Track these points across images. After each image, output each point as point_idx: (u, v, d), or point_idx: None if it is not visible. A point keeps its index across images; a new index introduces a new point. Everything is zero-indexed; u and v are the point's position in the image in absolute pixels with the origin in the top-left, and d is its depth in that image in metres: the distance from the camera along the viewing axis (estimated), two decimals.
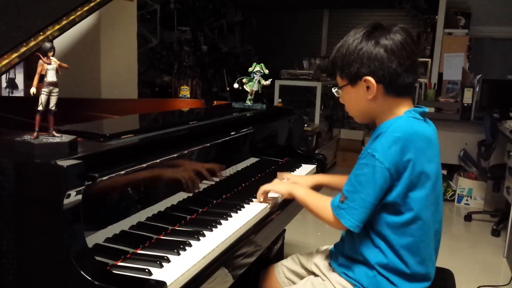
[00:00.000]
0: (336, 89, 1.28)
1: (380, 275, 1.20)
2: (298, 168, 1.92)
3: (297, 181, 1.55)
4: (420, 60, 5.30)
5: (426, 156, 1.16)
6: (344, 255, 1.30)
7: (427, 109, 1.24)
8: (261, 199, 1.43)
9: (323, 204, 1.25)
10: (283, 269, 1.50)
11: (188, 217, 1.28)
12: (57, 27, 1.43)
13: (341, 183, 1.50)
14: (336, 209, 1.18)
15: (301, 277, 1.44)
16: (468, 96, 4.14)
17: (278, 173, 1.65)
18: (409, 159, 1.12)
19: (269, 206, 1.43)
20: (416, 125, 1.17)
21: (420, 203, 1.16)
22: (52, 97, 0.95)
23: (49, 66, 0.95)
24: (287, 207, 1.56)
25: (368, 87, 1.18)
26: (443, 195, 4.20)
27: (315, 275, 1.39)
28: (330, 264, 1.36)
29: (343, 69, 1.21)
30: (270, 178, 1.70)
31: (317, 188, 1.66)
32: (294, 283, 1.45)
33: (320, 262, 1.40)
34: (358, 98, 1.21)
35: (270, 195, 1.46)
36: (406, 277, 1.20)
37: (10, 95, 3.26)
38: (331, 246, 1.43)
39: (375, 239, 1.20)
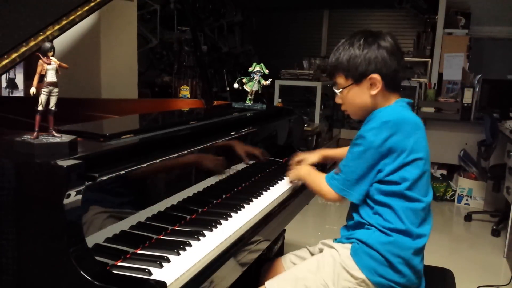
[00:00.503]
0: (341, 89, 1.40)
1: (379, 230, 1.30)
2: None
3: (305, 157, 1.76)
4: (420, 60, 5.34)
5: (414, 138, 1.30)
6: (347, 227, 1.42)
7: (411, 100, 1.43)
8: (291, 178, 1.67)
9: (320, 177, 1.44)
10: (290, 258, 1.56)
11: (188, 217, 1.28)
12: (57, 27, 1.43)
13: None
14: (331, 180, 1.37)
15: None
16: (468, 96, 4.14)
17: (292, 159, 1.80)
18: (397, 140, 1.27)
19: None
20: (404, 111, 1.35)
21: (413, 175, 1.29)
22: (52, 97, 0.95)
23: (49, 66, 0.95)
24: (287, 207, 1.56)
25: (371, 84, 1.34)
26: (443, 195, 4.23)
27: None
28: (334, 239, 1.44)
29: (349, 71, 1.36)
30: (270, 178, 1.71)
31: (324, 162, 1.88)
32: None
33: (326, 241, 1.47)
34: (362, 94, 1.37)
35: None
36: (402, 232, 1.29)
37: (10, 95, 3.26)
38: (334, 239, 1.46)
39: (375, 206, 1.32)
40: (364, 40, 1.34)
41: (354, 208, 1.39)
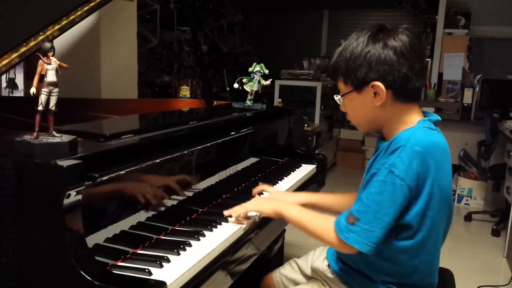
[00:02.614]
0: (339, 97, 1.17)
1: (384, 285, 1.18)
2: (298, 168, 1.92)
3: (280, 199, 1.40)
4: None
5: (444, 169, 1.09)
6: (344, 261, 1.27)
7: (439, 118, 1.15)
8: (239, 218, 1.27)
9: (325, 225, 1.12)
10: (282, 279, 1.47)
11: (188, 217, 1.28)
12: (57, 27, 1.43)
13: (334, 203, 1.44)
14: (344, 233, 1.05)
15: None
16: (468, 96, 4.15)
17: (259, 183, 1.52)
18: (429, 174, 1.04)
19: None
20: (434, 136, 1.09)
21: (435, 221, 1.09)
22: (52, 97, 0.95)
23: (49, 66, 0.95)
24: None
25: (375, 93, 1.08)
26: None
27: (314, 279, 1.38)
28: (329, 266, 1.33)
29: (348, 75, 1.11)
30: (270, 178, 1.71)
31: (317, 189, 1.63)
32: None
33: (318, 265, 1.37)
34: (364, 105, 1.12)
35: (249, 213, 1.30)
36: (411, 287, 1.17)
37: (10, 95, 3.26)
38: (327, 247, 1.40)
39: (380, 261, 1.14)
40: (370, 36, 1.08)
41: None
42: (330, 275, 1.31)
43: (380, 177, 1.03)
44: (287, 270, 1.48)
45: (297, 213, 1.21)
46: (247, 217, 1.29)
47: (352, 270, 1.23)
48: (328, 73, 1.34)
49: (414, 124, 1.10)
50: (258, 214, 1.32)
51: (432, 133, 1.10)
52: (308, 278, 1.42)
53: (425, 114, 1.16)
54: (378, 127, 1.17)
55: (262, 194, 1.50)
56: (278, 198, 1.42)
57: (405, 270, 1.15)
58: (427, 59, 4.95)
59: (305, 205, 1.39)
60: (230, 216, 1.28)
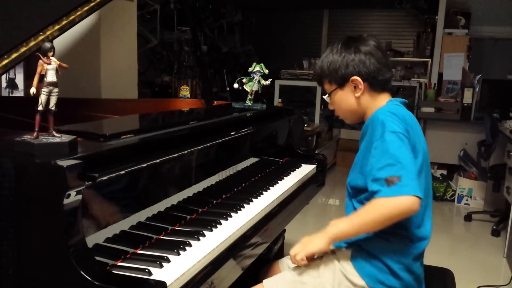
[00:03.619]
0: (327, 95, 1.41)
1: (378, 235, 1.25)
2: (298, 168, 1.92)
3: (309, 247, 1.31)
4: (420, 60, 5.34)
5: (416, 131, 1.28)
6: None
7: (406, 100, 1.39)
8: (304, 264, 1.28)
9: (379, 205, 1.13)
10: (287, 262, 1.50)
11: (188, 217, 1.28)
12: (57, 27, 1.43)
13: None
14: (399, 190, 1.10)
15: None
16: (468, 96, 4.14)
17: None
18: (411, 133, 1.23)
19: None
20: (401, 109, 1.32)
21: (427, 173, 1.25)
22: (52, 97, 0.95)
23: (49, 66, 0.95)
24: (287, 207, 1.56)
25: (355, 87, 1.34)
26: (443, 195, 4.23)
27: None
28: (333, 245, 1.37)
29: (331, 76, 1.36)
30: (270, 178, 1.71)
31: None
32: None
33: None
34: (348, 98, 1.37)
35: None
36: (403, 237, 1.26)
37: (10, 95, 3.26)
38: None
39: None
40: (342, 45, 1.35)
41: (351, 209, 1.35)
42: (337, 250, 1.36)
43: (389, 140, 1.17)
44: None
45: (350, 226, 1.21)
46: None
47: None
48: (315, 79, 1.47)
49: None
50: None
51: (400, 107, 1.33)
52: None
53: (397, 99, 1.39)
54: (361, 115, 1.39)
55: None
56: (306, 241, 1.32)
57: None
58: (427, 59, 4.97)
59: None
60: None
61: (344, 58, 1.33)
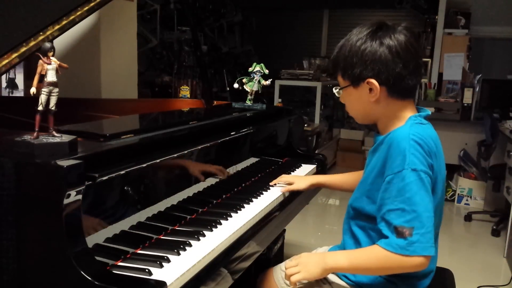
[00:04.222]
0: (338, 89, 1.24)
1: (381, 277, 1.19)
2: (298, 168, 1.92)
3: (295, 181, 1.59)
4: None
5: (439, 159, 1.13)
6: None
7: (429, 112, 1.21)
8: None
9: (382, 255, 1.05)
10: (282, 274, 1.45)
11: (188, 217, 1.28)
12: (57, 27, 1.43)
13: (342, 182, 1.58)
14: (408, 248, 1.01)
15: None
16: (468, 96, 4.15)
17: (280, 177, 1.66)
18: (433, 163, 1.09)
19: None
20: (427, 130, 1.14)
21: (436, 208, 1.11)
22: (52, 97, 0.95)
23: (49, 66, 0.95)
24: (287, 207, 1.56)
25: (370, 89, 1.14)
26: None
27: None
28: None
29: (346, 70, 1.17)
30: (270, 178, 1.71)
31: (316, 189, 1.67)
32: None
33: None
34: (360, 100, 1.18)
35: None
36: (408, 278, 1.18)
37: (10, 95, 3.26)
38: (328, 248, 1.42)
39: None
40: (369, 33, 1.12)
41: (351, 234, 1.22)
42: (330, 273, 1.30)
43: (408, 180, 1.04)
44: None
45: (348, 262, 1.12)
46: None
47: None
48: (328, 67, 1.40)
49: (406, 120, 1.16)
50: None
51: (424, 127, 1.14)
52: None
53: (418, 109, 1.21)
54: (373, 120, 1.23)
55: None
56: (291, 180, 1.62)
57: None
58: (427, 59, 4.96)
59: (318, 185, 1.62)
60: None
61: (365, 52, 1.11)
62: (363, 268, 1.13)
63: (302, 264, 1.18)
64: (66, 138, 0.98)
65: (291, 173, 1.84)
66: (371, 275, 1.18)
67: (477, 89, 4.20)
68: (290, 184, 1.62)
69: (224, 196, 1.49)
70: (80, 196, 0.89)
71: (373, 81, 1.12)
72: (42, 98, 0.94)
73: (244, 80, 1.93)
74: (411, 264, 1.03)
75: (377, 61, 1.10)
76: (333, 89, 1.26)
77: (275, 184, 1.63)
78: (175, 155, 1.23)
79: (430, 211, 1.03)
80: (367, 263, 1.10)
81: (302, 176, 1.77)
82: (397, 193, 1.04)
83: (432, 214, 1.04)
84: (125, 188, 1.07)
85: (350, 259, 1.13)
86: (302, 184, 1.60)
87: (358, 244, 1.22)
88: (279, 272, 1.48)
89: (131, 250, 1.04)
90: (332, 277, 1.30)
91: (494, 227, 3.48)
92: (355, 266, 1.13)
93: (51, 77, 0.95)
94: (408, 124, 1.13)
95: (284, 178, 1.66)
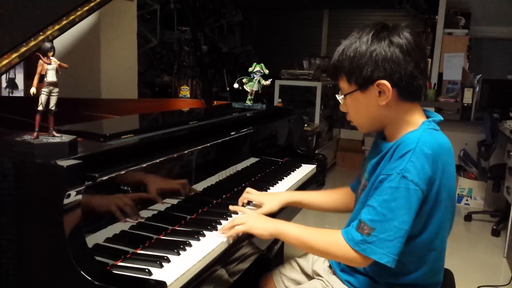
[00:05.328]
0: (341, 96, 1.15)
1: (387, 285, 1.17)
2: (298, 168, 1.92)
3: (262, 202, 1.36)
4: None
5: (450, 171, 1.08)
6: (345, 268, 1.26)
7: (442, 118, 1.16)
8: (227, 234, 1.14)
9: (333, 239, 1.07)
10: (282, 278, 1.45)
11: (188, 217, 1.28)
12: (57, 27, 1.43)
13: (322, 201, 1.44)
14: (360, 244, 1.01)
15: (301, 284, 1.41)
16: (468, 96, 4.14)
17: (245, 191, 1.41)
18: (437, 176, 1.04)
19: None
20: (439, 138, 1.09)
21: (440, 222, 1.09)
22: (52, 97, 0.95)
23: (49, 66, 0.95)
24: (287, 207, 1.55)
25: (380, 92, 1.07)
26: None
27: (317, 278, 1.36)
28: (330, 267, 1.33)
29: (352, 74, 1.09)
30: (269, 178, 1.71)
31: (288, 215, 1.48)
32: None
33: (319, 266, 1.37)
34: (368, 105, 1.10)
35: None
36: (416, 286, 1.17)
37: (10, 95, 3.26)
38: None
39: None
40: (374, 34, 1.06)
41: None
42: (331, 275, 1.30)
43: (393, 184, 1.01)
44: (288, 270, 1.47)
45: (298, 232, 1.13)
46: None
47: (353, 270, 1.22)
48: (328, 72, 1.32)
49: (418, 125, 1.10)
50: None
51: (438, 135, 1.09)
52: (309, 277, 1.41)
53: (426, 113, 1.16)
54: (381, 127, 1.15)
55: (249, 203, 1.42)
56: (260, 200, 1.36)
57: (411, 270, 1.13)
58: (427, 59, 4.95)
59: (291, 204, 1.41)
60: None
61: (374, 52, 1.05)
62: (308, 244, 1.11)
63: (250, 218, 1.17)
64: (66, 138, 0.98)
65: (291, 173, 1.84)
66: (309, 252, 1.16)
67: (477, 89, 4.20)
68: (259, 206, 1.38)
69: (224, 196, 1.49)
70: (80, 196, 0.89)
71: (385, 82, 1.05)
72: (42, 98, 0.94)
73: (244, 80, 1.93)
74: (352, 259, 1.03)
75: (389, 61, 1.05)
76: (336, 96, 1.19)
77: (244, 205, 1.39)
78: (175, 155, 1.23)
79: (402, 223, 0.99)
80: (314, 241, 1.10)
81: (272, 194, 1.51)
82: (379, 193, 1.03)
83: (405, 227, 1.00)
84: (125, 188, 1.07)
85: (301, 231, 1.12)
86: (274, 205, 1.36)
87: None
88: (278, 275, 1.47)
89: (131, 250, 1.04)
90: (332, 277, 1.30)
91: (494, 227, 3.48)
92: (301, 239, 1.12)
93: (51, 77, 0.95)
94: (421, 129, 1.08)
95: (252, 197, 1.39)
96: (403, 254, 1.04)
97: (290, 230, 1.14)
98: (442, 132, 1.14)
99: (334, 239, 1.07)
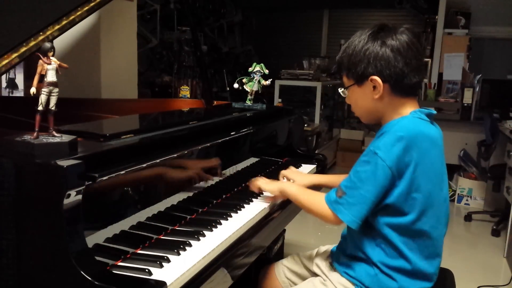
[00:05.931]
0: (343, 89, 1.29)
1: (382, 272, 1.20)
2: (298, 168, 1.92)
3: (295, 179, 1.58)
4: None
5: (431, 157, 1.16)
6: (345, 254, 1.30)
7: (434, 111, 1.24)
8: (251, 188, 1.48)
9: (317, 199, 1.25)
10: (283, 269, 1.50)
11: (188, 217, 1.28)
12: (57, 27, 1.43)
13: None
14: (333, 204, 1.18)
15: (302, 278, 1.44)
16: (468, 96, 4.15)
17: (281, 172, 1.64)
18: (412, 159, 1.12)
19: (268, 206, 1.43)
20: (421, 125, 1.18)
21: (423, 203, 1.15)
22: (52, 97, 0.95)
23: (49, 66, 0.95)
24: (287, 207, 1.56)
25: (374, 87, 1.19)
26: None
27: (316, 275, 1.39)
28: (331, 264, 1.36)
29: (350, 69, 1.23)
30: (270, 178, 1.70)
31: (316, 188, 1.65)
32: (294, 283, 1.45)
33: (321, 262, 1.40)
34: (364, 97, 1.23)
35: (266, 193, 1.49)
36: (408, 274, 1.20)
37: (10, 95, 3.26)
38: (332, 246, 1.44)
39: (377, 239, 1.20)
40: (371, 34, 1.18)
41: (353, 232, 1.25)
42: (332, 272, 1.33)
43: (366, 158, 1.15)
44: (290, 262, 1.51)
45: (296, 190, 1.36)
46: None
47: (351, 258, 1.27)
48: (333, 68, 1.47)
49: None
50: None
51: (421, 123, 1.19)
52: (310, 272, 1.44)
53: (421, 108, 1.24)
54: (378, 118, 1.26)
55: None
56: (293, 177, 1.60)
57: (402, 252, 1.18)
58: (427, 59, 4.96)
59: (317, 185, 1.60)
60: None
61: (367, 51, 1.17)
62: (299, 200, 1.32)
63: (264, 181, 1.47)
64: (66, 138, 0.98)
65: (293, 169, 1.84)
66: (300, 207, 1.35)
67: (477, 89, 4.20)
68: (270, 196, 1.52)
69: (224, 196, 1.49)
70: (80, 196, 0.89)
71: (376, 78, 1.17)
72: (42, 98, 0.94)
73: (244, 80, 1.93)
74: (325, 215, 1.20)
75: (380, 59, 1.16)
76: (339, 89, 1.33)
77: (284, 178, 1.61)
78: (175, 155, 1.23)
79: (367, 191, 1.12)
80: (304, 199, 1.31)
81: (303, 173, 1.74)
82: (356, 164, 1.18)
83: (369, 196, 1.12)
84: (125, 188, 1.07)
85: (298, 190, 1.36)
86: (303, 180, 1.57)
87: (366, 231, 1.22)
88: (281, 267, 1.51)
89: (131, 250, 1.04)
90: (332, 274, 1.32)
91: (494, 227, 3.48)
92: (296, 196, 1.34)
93: (51, 77, 0.95)
94: (405, 118, 1.19)
95: (284, 173, 1.63)
96: (393, 237, 1.17)
97: (291, 188, 1.38)
98: (435, 124, 1.24)
99: (319, 199, 1.24)
